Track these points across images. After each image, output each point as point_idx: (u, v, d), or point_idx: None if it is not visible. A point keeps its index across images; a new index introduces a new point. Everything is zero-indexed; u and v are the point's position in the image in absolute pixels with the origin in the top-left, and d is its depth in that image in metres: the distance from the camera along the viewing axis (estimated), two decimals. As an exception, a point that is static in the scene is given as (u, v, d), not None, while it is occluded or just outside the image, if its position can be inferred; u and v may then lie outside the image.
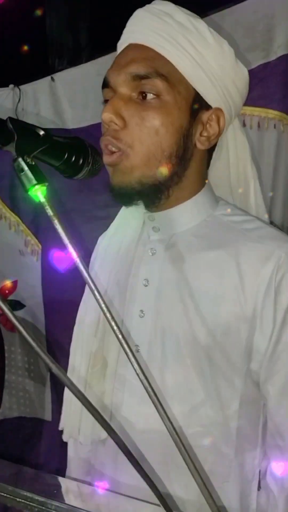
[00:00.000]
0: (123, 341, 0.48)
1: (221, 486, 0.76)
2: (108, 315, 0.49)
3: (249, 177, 0.85)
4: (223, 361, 0.74)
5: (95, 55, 1.72)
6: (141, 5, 0.78)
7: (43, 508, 0.57)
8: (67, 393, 0.89)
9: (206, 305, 0.75)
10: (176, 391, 0.76)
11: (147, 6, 0.76)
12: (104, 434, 0.81)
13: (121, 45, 0.78)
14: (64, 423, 0.87)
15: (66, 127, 1.74)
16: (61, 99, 1.74)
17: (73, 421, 0.84)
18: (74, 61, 2.45)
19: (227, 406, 0.75)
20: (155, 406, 0.46)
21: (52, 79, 1.74)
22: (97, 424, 0.47)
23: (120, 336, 0.48)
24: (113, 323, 0.49)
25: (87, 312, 0.87)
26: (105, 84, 0.76)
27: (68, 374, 0.86)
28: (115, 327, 0.49)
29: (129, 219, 0.87)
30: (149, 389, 0.46)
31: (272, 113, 1.39)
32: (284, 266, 0.73)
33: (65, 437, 0.88)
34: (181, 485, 0.76)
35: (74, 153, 0.57)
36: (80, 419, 0.83)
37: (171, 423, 0.46)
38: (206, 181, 0.82)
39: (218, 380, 0.75)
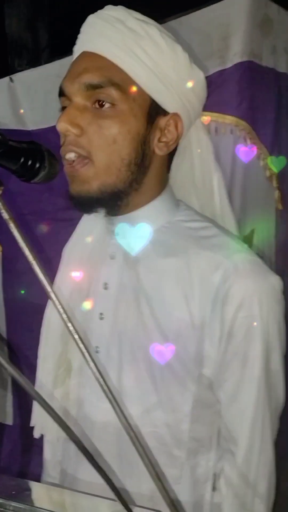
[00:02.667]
0: (79, 342, 0.49)
1: (172, 488, 0.78)
2: (64, 316, 0.50)
3: (213, 176, 0.85)
4: (175, 366, 0.76)
5: (55, 56, 1.71)
6: (102, 6, 0.78)
7: (1, 509, 0.57)
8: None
9: (159, 312, 0.77)
10: (131, 392, 0.78)
11: (99, 12, 0.76)
12: None
13: (76, 51, 0.79)
14: (35, 420, 0.90)
15: (26, 129, 1.72)
16: (20, 100, 1.71)
17: (42, 417, 0.87)
18: (33, 62, 2.43)
19: (179, 409, 0.77)
20: (111, 403, 0.48)
21: (11, 79, 1.72)
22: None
23: (76, 337, 0.50)
24: (69, 324, 0.51)
25: (52, 314, 0.88)
26: (61, 93, 0.76)
27: (38, 375, 0.90)
28: (71, 328, 0.50)
29: (92, 223, 0.87)
30: (105, 387, 0.48)
31: (228, 119, 1.42)
32: (232, 277, 0.73)
33: (36, 433, 0.91)
34: (133, 480, 0.78)
35: (30, 157, 0.57)
36: (47, 416, 0.86)
37: (125, 418, 0.48)
38: (167, 185, 0.83)
39: (171, 384, 0.77)
